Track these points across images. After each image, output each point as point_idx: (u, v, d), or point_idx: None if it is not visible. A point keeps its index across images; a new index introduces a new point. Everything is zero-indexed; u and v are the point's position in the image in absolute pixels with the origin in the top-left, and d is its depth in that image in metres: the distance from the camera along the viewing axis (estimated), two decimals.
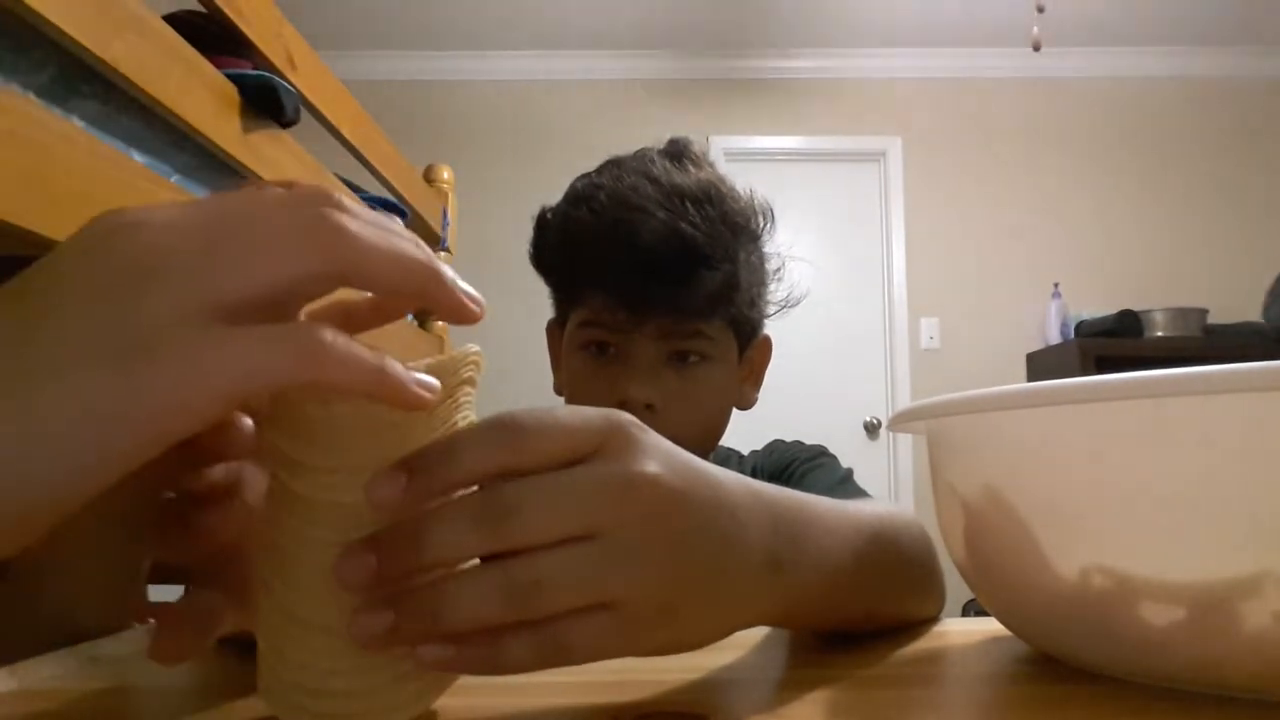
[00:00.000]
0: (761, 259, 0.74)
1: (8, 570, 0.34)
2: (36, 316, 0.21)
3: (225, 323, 0.21)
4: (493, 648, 0.25)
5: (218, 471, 0.28)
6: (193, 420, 0.21)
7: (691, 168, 0.70)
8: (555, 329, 0.76)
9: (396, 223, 0.25)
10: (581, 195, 0.69)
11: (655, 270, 0.64)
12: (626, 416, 0.28)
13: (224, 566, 0.29)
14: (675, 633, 0.28)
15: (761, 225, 0.73)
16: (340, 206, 0.23)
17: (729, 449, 0.83)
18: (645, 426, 0.28)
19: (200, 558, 0.29)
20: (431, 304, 0.25)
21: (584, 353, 0.70)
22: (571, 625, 0.26)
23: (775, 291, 0.77)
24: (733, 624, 0.31)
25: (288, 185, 0.24)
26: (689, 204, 0.66)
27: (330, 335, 0.22)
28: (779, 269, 0.77)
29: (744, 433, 0.92)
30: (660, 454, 0.27)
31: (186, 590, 0.29)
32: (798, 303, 0.78)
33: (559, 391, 0.75)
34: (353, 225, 0.23)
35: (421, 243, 0.25)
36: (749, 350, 0.75)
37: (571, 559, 0.25)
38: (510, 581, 0.25)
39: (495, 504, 0.25)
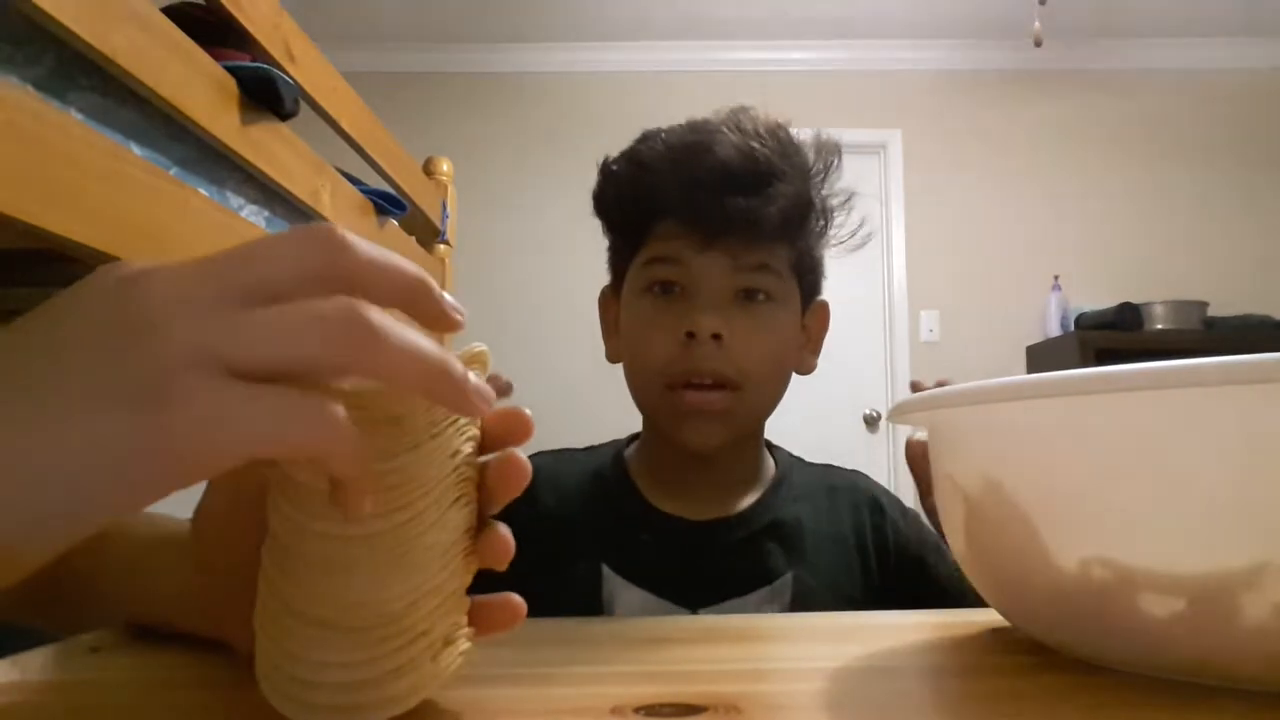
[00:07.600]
0: (830, 192, 0.75)
1: None
2: (41, 361, 0.21)
3: (237, 378, 0.21)
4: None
5: None
6: (201, 473, 0.21)
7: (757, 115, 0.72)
8: (610, 296, 0.76)
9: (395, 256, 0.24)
10: (650, 133, 0.72)
11: (729, 184, 0.65)
12: None
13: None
14: None
15: (830, 161, 0.74)
16: (358, 266, 0.23)
17: (790, 455, 0.81)
18: None
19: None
20: (436, 399, 0.25)
21: (649, 294, 0.69)
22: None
23: (842, 225, 0.76)
24: None
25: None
26: (760, 129, 0.68)
27: (341, 411, 0.22)
28: (848, 199, 0.76)
29: None
30: None
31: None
32: (865, 241, 0.77)
33: (614, 359, 0.75)
34: (379, 321, 0.22)
35: (428, 278, 0.25)
36: (807, 316, 0.74)
37: None
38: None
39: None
